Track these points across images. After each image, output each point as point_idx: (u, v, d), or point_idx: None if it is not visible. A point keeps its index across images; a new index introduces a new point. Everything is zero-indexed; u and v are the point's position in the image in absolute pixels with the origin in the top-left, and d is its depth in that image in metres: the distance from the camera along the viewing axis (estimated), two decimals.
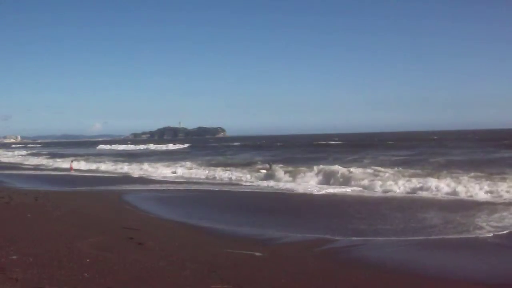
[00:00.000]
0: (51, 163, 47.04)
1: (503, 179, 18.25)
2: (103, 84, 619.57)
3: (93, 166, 40.10)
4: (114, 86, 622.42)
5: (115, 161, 43.11)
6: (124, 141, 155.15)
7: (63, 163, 44.17)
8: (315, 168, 24.88)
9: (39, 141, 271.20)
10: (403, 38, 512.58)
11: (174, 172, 31.60)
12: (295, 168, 26.68)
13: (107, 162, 42.55)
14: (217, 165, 34.16)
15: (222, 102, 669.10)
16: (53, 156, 58.83)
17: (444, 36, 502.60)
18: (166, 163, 36.68)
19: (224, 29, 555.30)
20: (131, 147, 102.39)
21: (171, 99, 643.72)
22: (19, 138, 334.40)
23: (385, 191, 18.93)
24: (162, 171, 32.72)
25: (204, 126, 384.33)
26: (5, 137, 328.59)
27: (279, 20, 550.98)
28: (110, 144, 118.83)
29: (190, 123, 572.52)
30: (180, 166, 33.82)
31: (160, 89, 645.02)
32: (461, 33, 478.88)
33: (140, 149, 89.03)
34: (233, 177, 26.98)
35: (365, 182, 20.67)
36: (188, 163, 35.93)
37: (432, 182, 18.63)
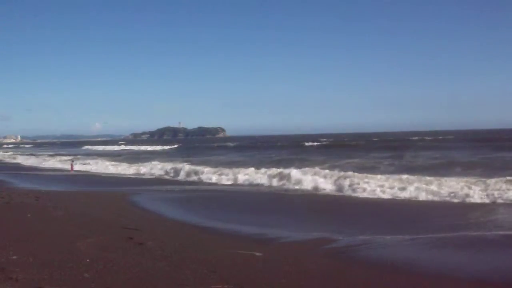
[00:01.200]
0: (50, 164, 47.78)
1: (500, 179, 18.05)
2: (103, 84, 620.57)
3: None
4: (114, 86, 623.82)
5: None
6: (115, 142, 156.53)
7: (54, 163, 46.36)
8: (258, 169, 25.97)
9: (39, 141, 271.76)
10: (403, 37, 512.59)
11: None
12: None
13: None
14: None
15: (222, 102, 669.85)
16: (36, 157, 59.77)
17: (444, 35, 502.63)
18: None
19: (224, 29, 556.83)
20: (115, 148, 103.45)
21: (171, 99, 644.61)
22: (19, 138, 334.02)
23: (370, 194, 18.30)
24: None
25: (204, 126, 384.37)
26: (5, 137, 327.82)
27: (279, 20, 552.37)
28: (93, 145, 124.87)
29: (190, 123, 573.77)
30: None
31: (160, 89, 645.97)
32: (461, 33, 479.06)
33: (123, 150, 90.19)
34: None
35: (346, 183, 19.87)
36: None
37: (421, 183, 18.10)
